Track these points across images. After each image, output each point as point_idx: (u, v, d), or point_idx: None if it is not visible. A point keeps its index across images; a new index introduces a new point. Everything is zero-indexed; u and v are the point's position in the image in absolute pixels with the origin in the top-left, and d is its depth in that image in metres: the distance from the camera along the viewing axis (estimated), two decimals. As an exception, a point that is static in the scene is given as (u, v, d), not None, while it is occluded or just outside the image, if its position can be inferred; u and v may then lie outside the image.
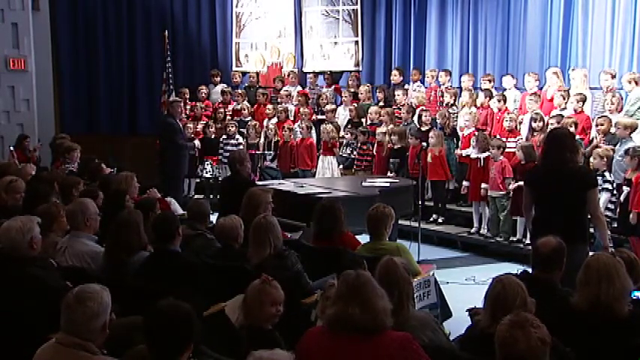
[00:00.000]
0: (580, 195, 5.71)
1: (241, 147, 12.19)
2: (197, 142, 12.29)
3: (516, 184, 9.11)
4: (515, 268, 6.76)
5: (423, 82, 12.41)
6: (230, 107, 13.48)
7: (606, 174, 8.41)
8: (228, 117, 13.26)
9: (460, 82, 11.75)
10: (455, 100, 11.32)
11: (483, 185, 9.66)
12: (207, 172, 12.79)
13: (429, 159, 10.33)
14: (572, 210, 5.70)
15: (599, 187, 7.49)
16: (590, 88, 10.22)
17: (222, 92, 13.66)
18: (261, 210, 6.24)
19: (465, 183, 10.13)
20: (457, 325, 4.91)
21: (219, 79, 14.11)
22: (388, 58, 13.63)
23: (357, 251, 5.77)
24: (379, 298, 3.54)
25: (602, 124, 9.06)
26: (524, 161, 9.08)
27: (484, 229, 9.90)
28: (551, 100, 10.21)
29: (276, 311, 4.13)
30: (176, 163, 10.98)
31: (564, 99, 9.87)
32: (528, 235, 9.10)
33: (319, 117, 12.63)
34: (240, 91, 13.57)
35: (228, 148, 12.30)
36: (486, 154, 9.67)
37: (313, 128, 12.17)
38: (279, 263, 5.14)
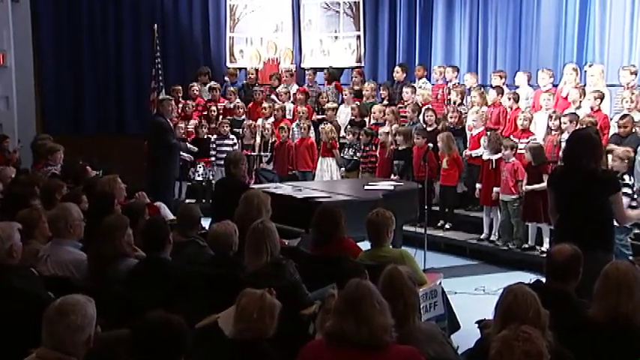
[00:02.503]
0: (602, 199, 5.71)
1: (236, 148, 12.21)
2: (190, 145, 12.24)
3: (530, 188, 9.08)
4: (527, 277, 6.73)
5: (428, 79, 12.41)
6: (220, 105, 13.46)
7: (625, 177, 8.39)
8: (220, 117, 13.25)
9: (464, 81, 11.76)
10: (462, 99, 11.32)
11: (495, 189, 9.65)
12: (198, 175, 12.78)
13: (444, 165, 10.33)
14: (593, 215, 5.69)
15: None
16: (608, 86, 10.22)
17: (210, 89, 13.64)
18: (258, 215, 6.24)
19: (478, 186, 10.11)
20: (466, 338, 4.90)
21: (207, 77, 14.04)
22: (392, 53, 13.66)
23: (358, 259, 5.77)
24: (378, 313, 3.51)
25: (625, 127, 8.96)
26: (534, 163, 9.08)
27: (494, 235, 9.89)
28: (567, 97, 10.19)
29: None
30: (167, 165, 10.95)
31: (580, 96, 9.86)
32: (544, 242, 9.12)
33: (319, 116, 12.63)
34: (232, 88, 13.54)
35: (222, 149, 12.30)
36: (498, 155, 9.65)
37: (312, 128, 12.17)
38: (277, 272, 5.13)
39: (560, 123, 9.47)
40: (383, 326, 3.49)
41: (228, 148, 12.10)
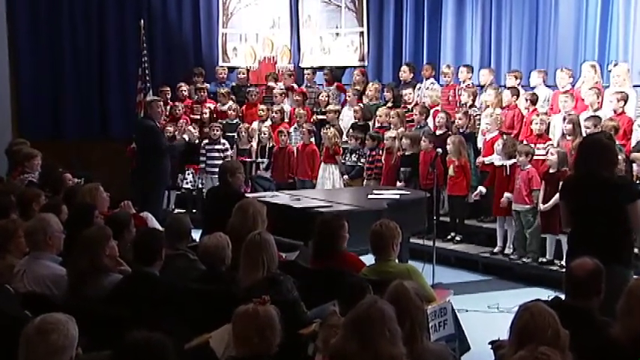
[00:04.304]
0: (618, 209, 5.70)
1: (228, 153, 12.21)
2: (189, 133, 11.96)
3: (549, 205, 9.03)
4: (545, 294, 6.74)
5: (437, 80, 12.41)
6: (208, 105, 13.46)
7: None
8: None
9: (479, 77, 11.76)
10: (474, 100, 11.31)
11: (507, 194, 9.64)
12: (187, 183, 12.77)
13: (450, 172, 10.34)
14: (609, 226, 5.68)
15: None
16: (634, 86, 10.20)
17: (197, 89, 13.63)
18: (253, 226, 6.24)
19: (480, 188, 10.14)
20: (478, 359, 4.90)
21: (202, 78, 14.04)
22: (398, 52, 13.62)
23: (361, 274, 5.77)
24: (386, 341, 3.48)
25: None
26: (554, 169, 9.08)
27: (509, 248, 9.89)
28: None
29: None
30: (157, 173, 10.89)
31: (598, 97, 9.84)
32: (564, 256, 9.10)
33: (319, 117, 12.63)
34: (223, 90, 13.53)
35: (212, 154, 12.29)
36: (512, 161, 9.66)
37: (313, 132, 12.17)
38: (273, 288, 5.12)
39: (574, 126, 9.46)
40: (391, 356, 3.47)
41: (218, 154, 12.08)
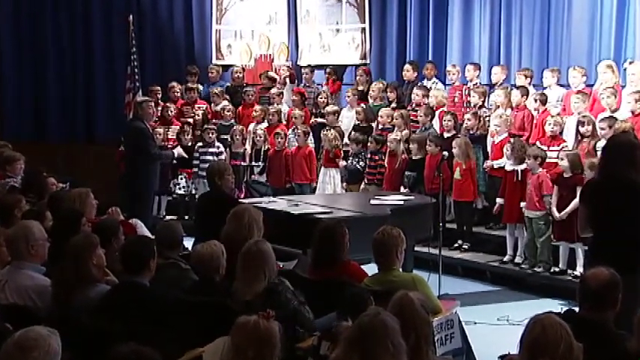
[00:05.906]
0: None
1: (223, 157, 12.19)
2: (179, 150, 12.05)
3: (567, 211, 9.02)
4: (558, 306, 6.75)
5: (442, 80, 12.40)
6: (199, 106, 13.47)
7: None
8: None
9: (490, 76, 11.75)
10: (484, 101, 11.30)
11: (523, 205, 9.62)
12: (179, 188, 12.75)
13: (456, 175, 10.33)
14: (632, 230, 5.69)
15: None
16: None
17: (187, 89, 13.63)
18: (249, 233, 6.24)
19: (498, 200, 10.09)
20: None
21: (196, 77, 14.04)
22: (401, 49, 13.63)
23: (363, 284, 5.77)
24: (390, 355, 3.48)
25: None
26: (568, 173, 9.08)
27: (520, 257, 9.88)
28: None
29: None
30: (146, 177, 10.86)
31: (615, 98, 9.84)
32: (577, 265, 9.09)
33: (318, 120, 12.64)
34: (217, 89, 13.53)
35: (206, 158, 12.26)
36: (524, 165, 9.64)
37: (310, 134, 12.17)
38: (271, 300, 5.12)
39: (594, 129, 9.46)
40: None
41: (212, 158, 12.05)
